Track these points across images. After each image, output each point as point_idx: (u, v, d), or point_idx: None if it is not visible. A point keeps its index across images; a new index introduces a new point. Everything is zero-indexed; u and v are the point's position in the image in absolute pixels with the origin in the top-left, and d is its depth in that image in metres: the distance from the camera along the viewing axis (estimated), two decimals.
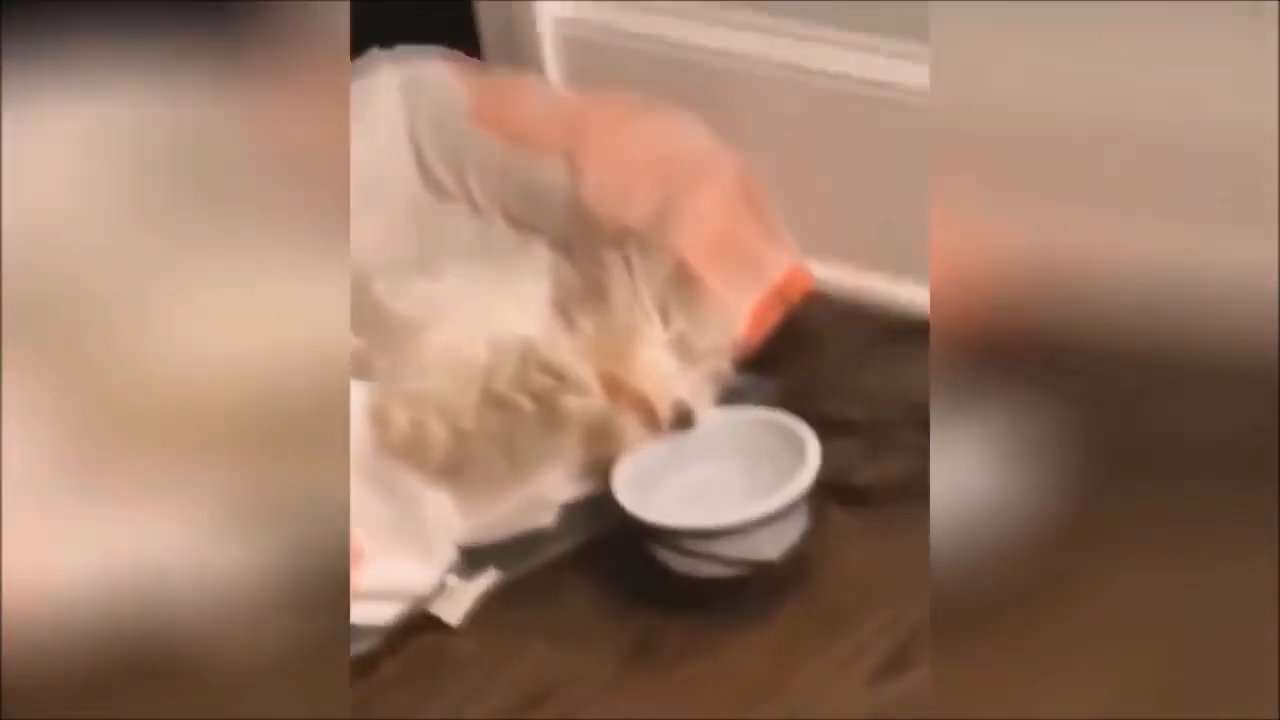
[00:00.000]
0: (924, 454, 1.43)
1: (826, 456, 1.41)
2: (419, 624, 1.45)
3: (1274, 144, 1.01)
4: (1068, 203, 1.05)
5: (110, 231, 1.11)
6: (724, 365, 1.52)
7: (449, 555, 1.46)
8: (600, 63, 1.84)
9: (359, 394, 1.46)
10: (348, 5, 1.19)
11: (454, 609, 1.45)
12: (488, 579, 1.45)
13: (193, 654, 1.04)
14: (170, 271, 1.11)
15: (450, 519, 1.46)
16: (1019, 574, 1.00)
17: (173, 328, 1.09)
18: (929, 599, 1.09)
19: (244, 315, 1.11)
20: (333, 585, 1.09)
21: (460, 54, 1.84)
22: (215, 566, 1.05)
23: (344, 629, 1.16)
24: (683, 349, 1.47)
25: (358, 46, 1.67)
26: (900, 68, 1.62)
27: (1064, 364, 1.02)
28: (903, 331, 1.66)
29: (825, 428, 1.48)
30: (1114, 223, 1.04)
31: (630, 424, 1.44)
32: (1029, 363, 1.02)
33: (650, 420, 1.44)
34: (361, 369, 1.49)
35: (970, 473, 1.16)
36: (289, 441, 1.10)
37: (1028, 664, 0.98)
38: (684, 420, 1.44)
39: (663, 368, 1.46)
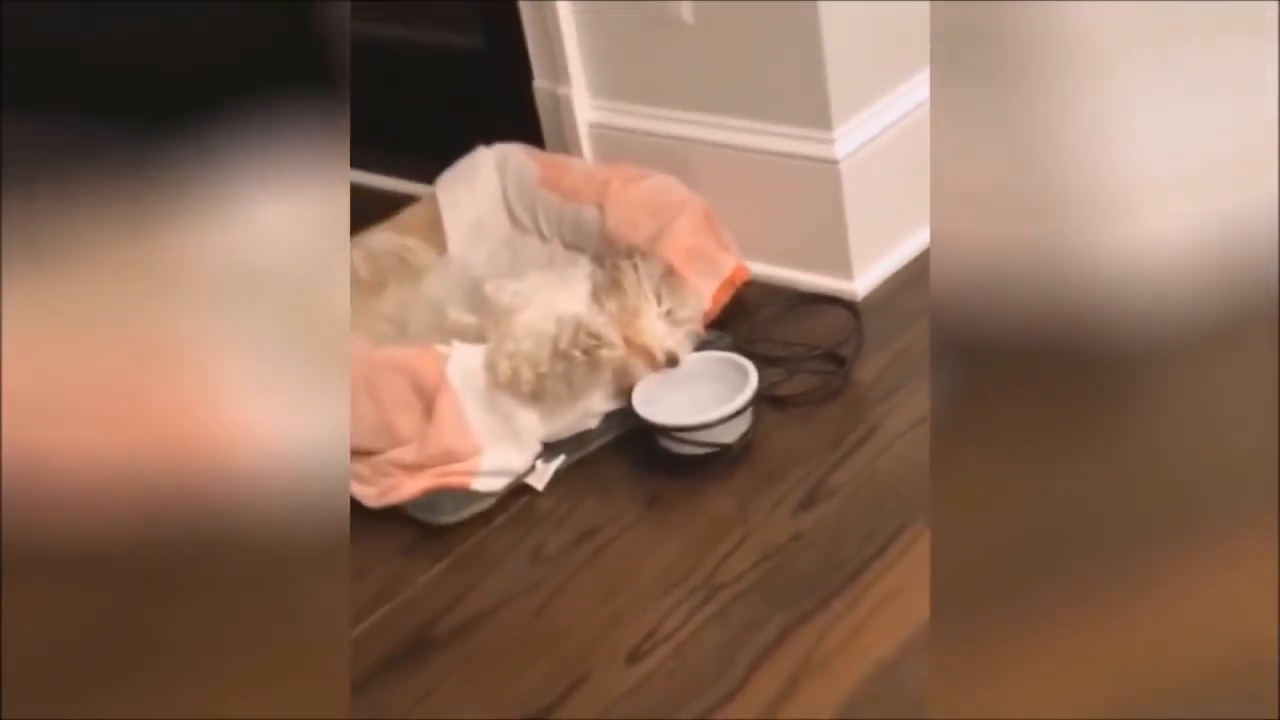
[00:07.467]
0: (821, 376, 1.77)
1: (761, 379, 1.69)
2: (518, 490, 1.71)
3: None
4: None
5: None
6: (697, 327, 1.78)
7: (535, 447, 1.74)
8: (617, 147, 2.05)
9: (479, 353, 1.68)
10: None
11: (539, 480, 1.72)
12: (559, 461, 1.74)
13: None
14: None
15: (535, 426, 1.73)
16: None
17: None
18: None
19: None
20: None
21: (531, 146, 2.09)
22: None
23: None
24: (671, 318, 1.73)
25: (469, 148, 2.05)
26: (801, 145, 1.87)
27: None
28: (804, 303, 1.93)
29: (760, 361, 1.74)
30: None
31: (640, 365, 1.71)
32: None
33: (652, 362, 1.71)
34: (479, 338, 1.73)
35: None
36: None
37: None
38: (673, 361, 1.70)
39: (658, 330, 1.71)
